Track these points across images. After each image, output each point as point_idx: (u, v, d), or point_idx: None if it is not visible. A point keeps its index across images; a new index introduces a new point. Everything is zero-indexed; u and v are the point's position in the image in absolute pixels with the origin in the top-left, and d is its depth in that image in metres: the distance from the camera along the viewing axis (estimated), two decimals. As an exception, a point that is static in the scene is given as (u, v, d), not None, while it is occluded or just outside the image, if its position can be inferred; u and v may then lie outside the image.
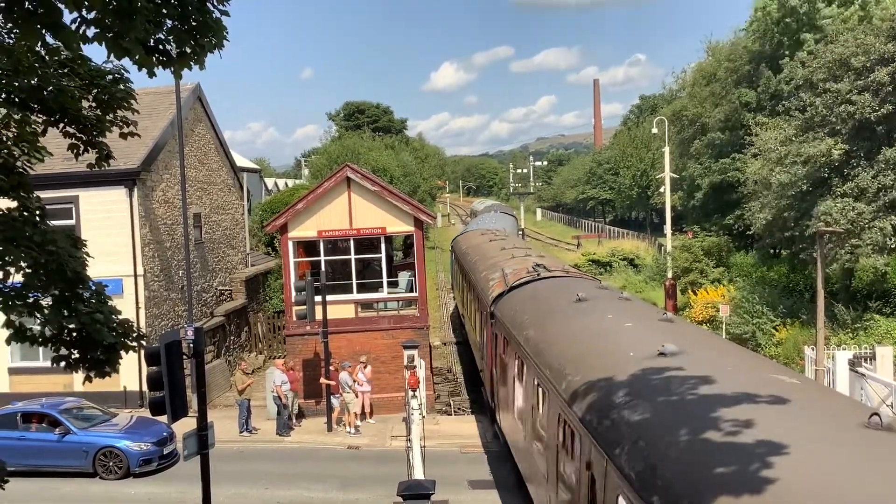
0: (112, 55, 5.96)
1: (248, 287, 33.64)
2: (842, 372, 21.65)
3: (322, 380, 23.62)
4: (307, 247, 26.27)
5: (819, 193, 27.38)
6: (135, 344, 9.09)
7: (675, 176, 46.77)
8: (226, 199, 34.39)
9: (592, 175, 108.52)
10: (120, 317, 8.99)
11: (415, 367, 21.55)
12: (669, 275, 40.44)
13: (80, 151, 9.29)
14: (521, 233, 66.30)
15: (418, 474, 14.63)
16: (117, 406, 24.27)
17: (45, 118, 8.89)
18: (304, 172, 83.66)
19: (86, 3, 5.45)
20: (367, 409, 24.25)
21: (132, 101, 9.31)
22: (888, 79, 25.88)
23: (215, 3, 6.44)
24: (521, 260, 23.11)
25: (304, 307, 23.12)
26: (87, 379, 8.94)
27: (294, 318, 24.94)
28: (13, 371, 26.33)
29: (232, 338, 31.34)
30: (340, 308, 24.89)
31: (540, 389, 12.86)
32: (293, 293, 24.67)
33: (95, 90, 8.96)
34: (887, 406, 19.26)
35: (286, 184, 75.07)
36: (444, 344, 34.81)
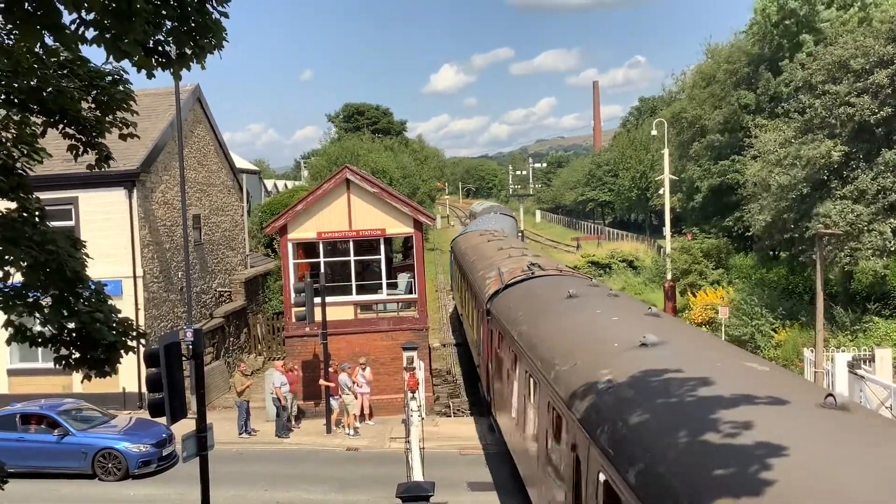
0: (111, 57, 5.96)
1: (248, 288, 33.63)
2: (841, 374, 21.67)
3: (321, 381, 23.61)
4: (307, 248, 26.26)
5: (818, 196, 27.40)
6: (135, 343, 9.10)
7: (674, 178, 46.80)
8: (225, 201, 34.38)
9: (592, 177, 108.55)
10: (119, 316, 9.00)
11: (414, 368, 21.52)
12: (669, 276, 40.45)
13: (80, 153, 9.29)
14: (520, 234, 66.31)
15: (417, 476, 14.62)
16: (116, 407, 24.24)
17: (44, 119, 8.90)
18: (304, 174, 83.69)
19: (85, 3, 5.45)
20: (367, 411, 24.23)
21: (131, 103, 9.32)
22: (887, 81, 25.90)
23: (214, 5, 6.44)
24: (517, 259, 23.59)
25: (304, 309, 23.10)
26: (87, 378, 8.95)
27: (293, 320, 24.93)
28: (12, 372, 26.31)
29: (231, 339, 31.33)
30: (340, 310, 24.88)
31: (531, 380, 13.51)
32: (292, 295, 24.66)
33: (95, 91, 8.96)
34: (886, 408, 19.27)
35: (286, 185, 75.09)
36: (444, 345, 34.79)
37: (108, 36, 5.71)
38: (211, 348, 28.48)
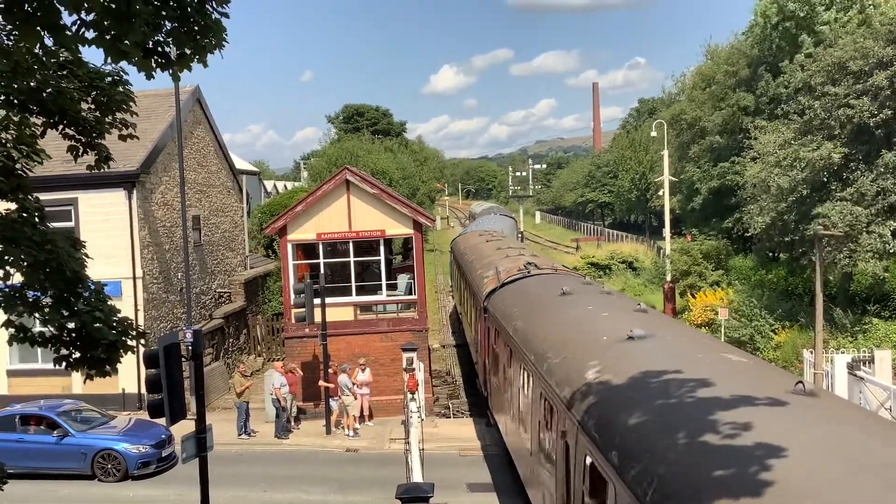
0: (109, 58, 5.96)
1: (247, 289, 33.63)
2: (840, 375, 21.67)
3: (321, 382, 23.60)
4: (306, 249, 26.26)
5: (818, 197, 27.41)
6: (134, 343, 9.11)
7: (673, 179, 46.80)
8: (225, 202, 34.39)
9: (591, 178, 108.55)
10: (119, 315, 9.01)
11: (414, 369, 21.53)
12: (668, 278, 40.46)
13: (80, 153, 9.31)
14: (520, 235, 66.35)
15: (417, 477, 14.63)
16: (116, 408, 24.24)
17: (44, 120, 8.91)
18: (304, 175, 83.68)
19: (85, 4, 5.45)
20: (366, 412, 24.23)
21: (131, 104, 9.34)
22: (887, 83, 25.90)
23: (214, 5, 6.44)
24: (514, 259, 24.10)
25: (303, 310, 23.09)
26: (88, 377, 8.96)
27: (293, 321, 24.92)
28: (12, 373, 26.30)
29: (231, 340, 31.33)
30: (339, 311, 24.87)
31: (525, 372, 14.09)
32: (292, 296, 24.64)
33: (94, 92, 8.98)
34: (885, 409, 19.27)
35: (285, 186, 75.13)
36: (444, 347, 34.83)
37: (107, 37, 5.71)
38: (210, 349, 28.47)
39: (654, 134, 51.77)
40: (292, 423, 23.81)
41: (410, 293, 26.44)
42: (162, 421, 12.81)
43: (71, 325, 8.56)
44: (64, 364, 8.71)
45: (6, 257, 8.21)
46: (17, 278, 8.59)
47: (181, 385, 12.58)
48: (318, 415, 24.29)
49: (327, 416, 23.48)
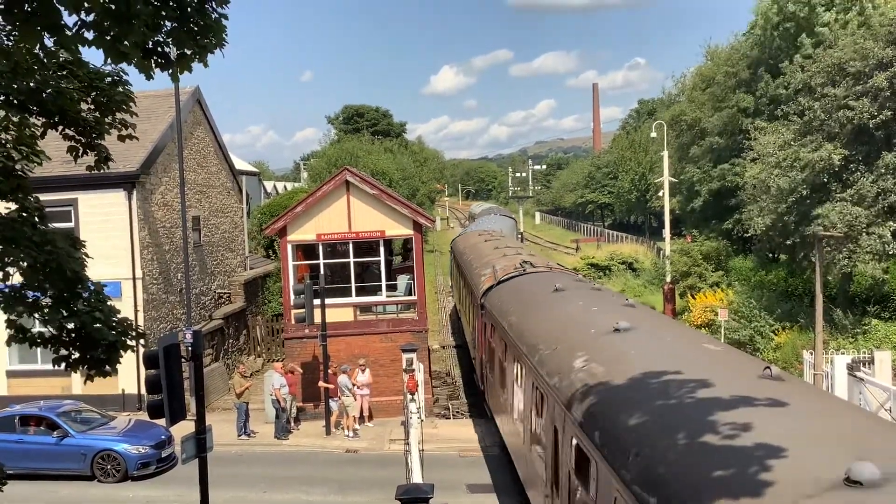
0: (109, 59, 5.96)
1: (247, 290, 33.62)
2: (840, 376, 21.66)
3: (321, 383, 23.60)
4: (306, 250, 26.25)
5: (818, 199, 27.40)
6: (134, 343, 9.10)
7: (673, 180, 46.79)
8: (225, 203, 34.38)
9: (591, 179, 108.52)
10: (119, 316, 9.01)
11: (413, 370, 21.52)
12: (668, 279, 40.47)
13: (79, 154, 9.31)
14: (519, 236, 66.36)
15: (417, 478, 14.61)
16: (115, 409, 24.23)
17: (44, 120, 8.91)
18: (304, 176, 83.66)
19: (85, 4, 5.45)
20: (366, 413, 24.22)
21: (131, 104, 9.33)
22: (886, 84, 25.89)
23: (214, 5, 6.44)
24: (511, 258, 24.61)
25: (303, 310, 23.09)
26: (88, 378, 8.96)
27: (293, 322, 24.91)
28: (11, 374, 26.29)
29: (230, 341, 31.32)
30: (339, 311, 24.86)
31: (518, 365, 14.90)
32: (292, 296, 24.63)
33: (94, 92, 8.98)
34: (885, 410, 19.26)
35: (285, 187, 75.11)
36: (443, 347, 34.83)
37: (107, 38, 5.71)
38: (210, 350, 28.46)
39: (653, 135, 51.76)
40: (292, 424, 23.80)
41: (410, 294, 26.44)
42: (162, 421, 12.80)
43: (71, 326, 8.56)
44: (63, 364, 8.70)
45: (6, 258, 8.21)
46: (17, 279, 8.58)
47: (181, 386, 12.58)
48: (317, 415, 24.28)
49: (327, 417, 23.48)
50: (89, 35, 5.71)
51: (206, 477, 13.03)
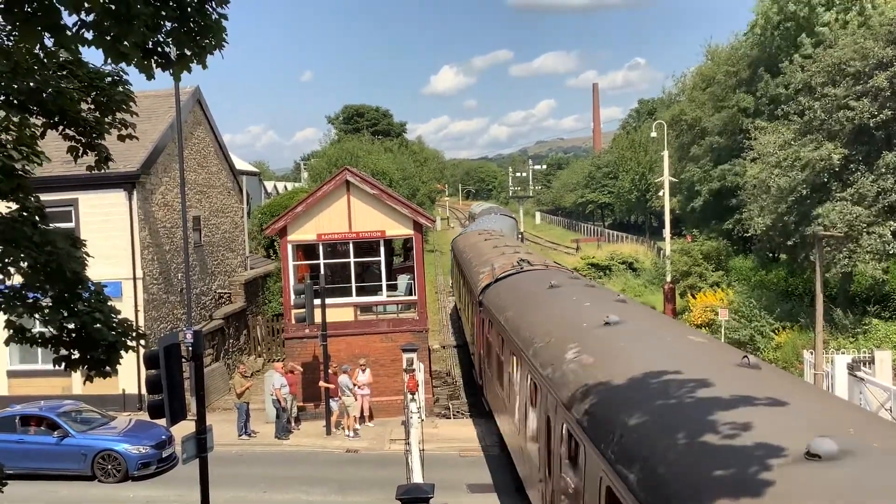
0: (109, 59, 5.96)
1: (248, 290, 33.62)
2: (840, 376, 21.66)
3: (321, 383, 23.60)
4: (306, 250, 26.26)
5: (818, 198, 27.39)
6: (134, 343, 9.10)
7: (673, 180, 46.77)
8: (225, 203, 34.39)
9: (591, 179, 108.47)
10: (119, 316, 9.00)
11: (414, 370, 21.52)
12: (668, 278, 40.46)
13: (80, 154, 9.30)
14: (520, 236, 66.34)
15: (417, 478, 14.61)
16: (116, 409, 24.23)
17: (44, 120, 8.90)
18: (304, 176, 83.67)
19: (85, 4, 5.45)
20: (367, 413, 24.22)
21: (131, 104, 9.33)
22: (887, 84, 25.88)
23: (214, 6, 6.44)
24: (509, 256, 25.01)
25: (303, 310, 23.09)
26: (88, 379, 8.96)
27: (293, 322, 24.92)
28: (12, 374, 26.30)
29: (231, 341, 31.32)
30: (339, 311, 24.87)
31: (514, 358, 15.44)
32: (292, 296, 24.64)
33: (94, 92, 8.98)
34: (886, 410, 19.26)
35: (285, 187, 75.11)
36: (444, 347, 34.83)
37: (107, 38, 5.71)
38: (211, 350, 28.46)
39: (653, 135, 51.74)
40: (292, 424, 23.81)
41: (410, 294, 26.44)
42: (162, 422, 12.81)
43: (71, 326, 8.56)
44: (64, 364, 8.70)
45: (6, 258, 8.21)
46: (17, 279, 8.58)
47: (181, 386, 12.58)
48: (318, 415, 24.28)
49: (327, 417, 23.48)
50: (89, 35, 5.71)
51: (207, 477, 13.04)
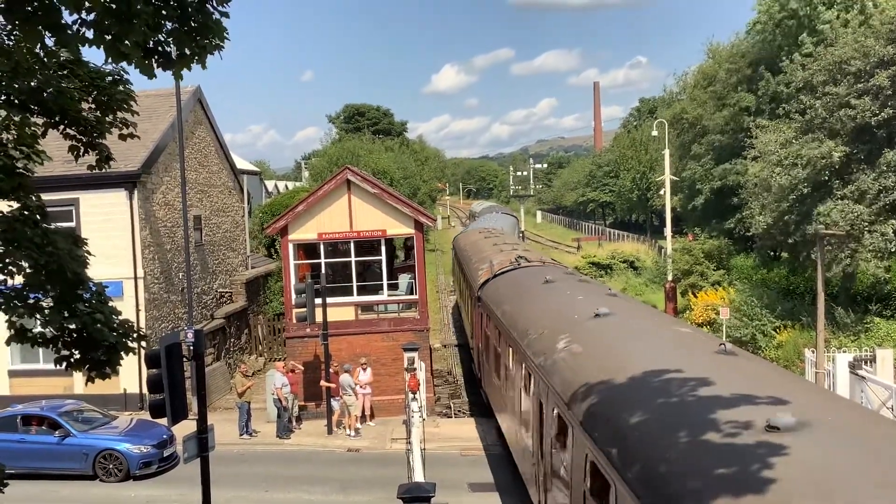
0: (110, 58, 5.95)
1: (249, 289, 33.63)
2: (842, 374, 21.63)
3: (322, 382, 23.59)
4: (307, 249, 26.25)
5: (819, 196, 27.37)
6: (135, 345, 9.09)
7: (675, 178, 46.74)
8: (226, 202, 34.39)
9: (592, 178, 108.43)
10: (120, 317, 8.99)
11: (415, 369, 21.53)
12: (669, 277, 40.43)
13: (81, 153, 9.29)
14: (521, 235, 66.33)
15: (418, 477, 14.61)
16: (117, 409, 24.25)
17: (45, 120, 8.89)
18: (305, 175, 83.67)
19: (86, 3, 5.44)
20: (368, 412, 24.22)
21: (132, 103, 9.32)
22: (888, 82, 25.85)
23: (215, 5, 6.43)
24: (507, 253, 25.68)
25: (305, 309, 23.09)
26: (89, 380, 8.95)
27: (294, 321, 24.92)
28: (13, 374, 26.31)
29: (232, 340, 31.32)
30: (340, 310, 24.86)
31: (510, 349, 16.15)
32: (293, 295, 24.65)
33: (95, 92, 8.96)
34: (887, 408, 19.24)
35: (286, 186, 75.16)
36: (445, 346, 34.82)
37: (108, 37, 5.71)
38: (212, 349, 28.47)
39: (655, 133, 51.69)
40: (294, 423, 23.81)
41: (411, 293, 26.44)
42: (163, 421, 12.81)
43: (72, 327, 8.55)
44: (64, 364, 8.70)
45: (7, 259, 8.20)
46: (18, 279, 8.58)
47: (183, 385, 12.59)
48: (319, 415, 24.28)
49: (329, 416, 23.48)
50: (90, 34, 5.70)
51: (208, 476, 13.04)
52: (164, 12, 6.16)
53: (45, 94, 8.48)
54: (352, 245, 25.75)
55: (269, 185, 75.29)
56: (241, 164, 51.42)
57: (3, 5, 5.64)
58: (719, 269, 39.45)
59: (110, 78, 8.99)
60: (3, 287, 8.53)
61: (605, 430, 8.33)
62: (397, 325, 25.47)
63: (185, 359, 12.80)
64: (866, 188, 25.85)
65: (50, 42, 6.25)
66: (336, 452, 22.15)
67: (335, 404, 23.44)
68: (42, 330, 8.81)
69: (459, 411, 26.10)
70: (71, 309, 8.45)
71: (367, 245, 27.00)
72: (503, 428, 18.71)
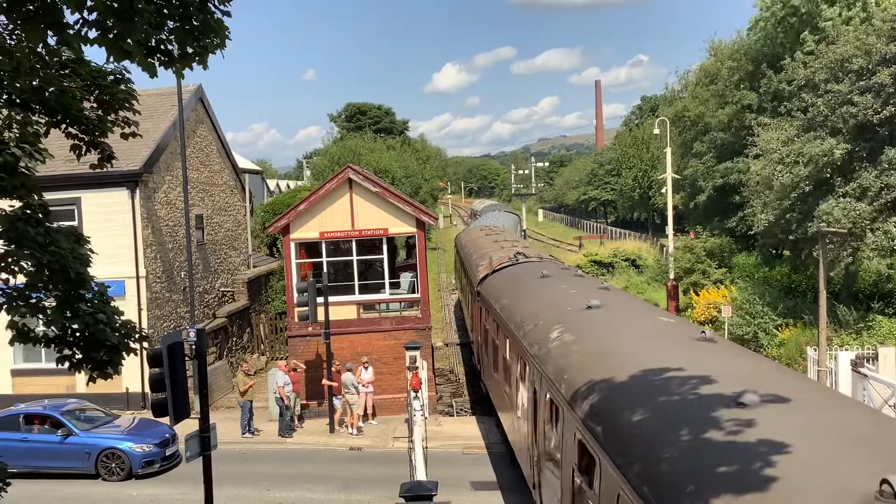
0: (112, 57, 5.95)
1: (251, 288, 33.65)
2: (844, 372, 21.59)
3: (324, 381, 23.61)
4: (309, 248, 26.27)
5: (821, 194, 27.33)
6: (137, 345, 9.10)
7: (676, 177, 46.69)
8: (228, 201, 34.40)
9: (594, 176, 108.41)
10: (122, 318, 9.00)
11: (417, 368, 21.53)
12: (671, 275, 40.41)
13: (83, 152, 9.30)
14: (523, 233, 66.32)
15: (420, 475, 14.61)
16: (119, 408, 24.27)
17: (47, 119, 8.90)
18: (306, 174, 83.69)
19: (88, 2, 5.44)
20: (370, 411, 24.23)
21: (133, 102, 9.32)
22: (890, 80, 25.81)
23: (216, 4, 6.43)
24: (507, 249, 26.12)
25: (306, 308, 23.11)
26: (91, 380, 8.96)
27: (296, 320, 24.93)
28: (16, 373, 26.35)
29: (234, 339, 31.35)
30: (342, 309, 24.88)
31: (508, 340, 16.84)
32: (295, 294, 24.66)
33: (97, 91, 8.97)
34: (890, 406, 19.21)
35: (288, 185, 75.19)
36: (447, 345, 34.80)
37: (110, 36, 5.71)
38: (214, 348, 28.49)
39: (656, 131, 51.61)
40: (296, 422, 23.83)
41: (413, 291, 26.45)
42: (166, 420, 12.81)
43: (74, 326, 8.56)
44: (66, 364, 8.71)
45: (10, 258, 8.21)
46: (20, 279, 8.58)
47: (185, 384, 12.60)
48: (321, 413, 24.30)
49: (331, 415, 23.49)
50: (92, 33, 5.71)
51: (211, 475, 13.05)
52: (165, 11, 6.17)
53: (46, 94, 8.49)
54: (353, 244, 25.75)
55: (271, 183, 75.30)
56: (243, 162, 51.45)
57: (4, 4, 5.64)
58: (721, 267, 39.42)
59: (112, 77, 9.00)
60: (5, 287, 8.54)
61: (591, 410, 8.96)
62: (399, 323, 25.48)
63: (187, 358, 12.81)
64: (868, 186, 25.81)
65: (52, 41, 6.25)
66: (338, 451, 22.16)
67: (337, 403, 23.45)
68: (44, 330, 8.82)
69: (461, 410, 26.11)
70: (73, 309, 8.46)
71: (369, 244, 27.01)
72: (500, 416, 19.35)
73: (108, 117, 9.20)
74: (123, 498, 18.90)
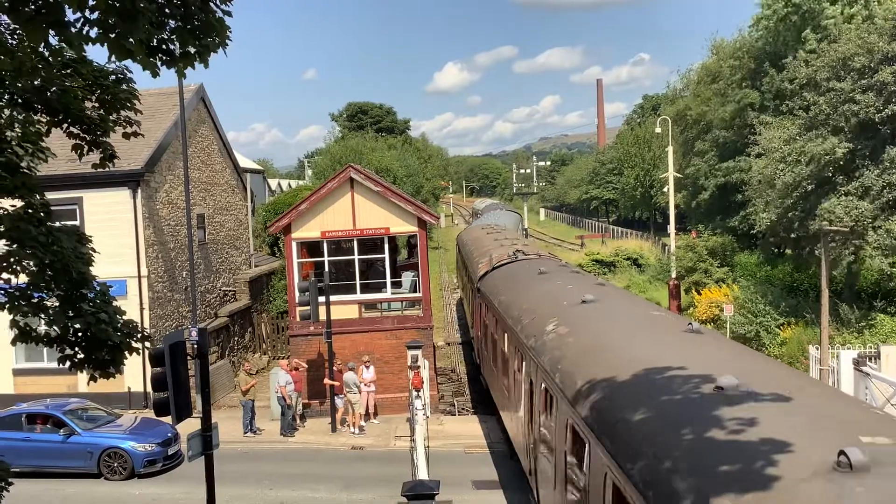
0: (114, 56, 5.96)
1: (252, 288, 33.66)
2: (846, 371, 21.57)
3: (326, 380, 23.61)
4: (311, 247, 26.27)
5: (823, 193, 27.31)
6: (139, 345, 9.10)
7: (678, 175, 46.67)
8: (229, 200, 34.42)
9: (596, 175, 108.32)
10: (124, 317, 9.00)
11: (419, 367, 21.54)
12: (673, 274, 40.39)
13: (84, 152, 9.30)
14: (524, 232, 66.30)
15: (422, 474, 14.63)
16: (122, 407, 24.29)
17: (48, 118, 8.90)
18: (308, 173, 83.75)
19: (90, 2, 5.45)
20: (371, 410, 24.23)
21: (135, 101, 9.32)
22: (892, 78, 25.78)
23: (218, 3, 6.43)
24: (507, 247, 26.51)
25: (308, 308, 23.11)
26: (92, 379, 8.96)
27: (298, 319, 24.93)
28: (18, 372, 26.38)
29: (236, 338, 31.36)
30: (344, 308, 24.88)
31: (506, 334, 17.32)
32: (297, 294, 24.65)
33: (98, 90, 8.97)
34: (892, 405, 19.18)
35: (289, 184, 75.21)
36: (448, 344, 34.80)
37: (112, 35, 5.71)
38: (216, 347, 28.51)
39: (658, 130, 51.59)
40: (297, 421, 23.84)
41: (415, 291, 26.44)
42: (168, 419, 12.82)
43: (76, 326, 8.56)
44: (68, 364, 8.71)
45: (12, 257, 8.22)
46: (22, 278, 8.59)
47: (187, 383, 12.61)
48: (323, 412, 24.30)
49: (332, 414, 23.50)
50: (94, 33, 5.71)
51: (213, 474, 13.06)
52: (167, 10, 6.17)
53: (48, 93, 8.50)
54: (355, 243, 25.76)
55: (273, 183, 75.33)
56: (245, 162, 51.45)
57: (6, 4, 5.64)
58: (723, 266, 39.39)
59: (113, 76, 9.00)
60: (7, 286, 8.54)
61: (582, 397, 9.43)
62: (401, 322, 25.49)
63: (189, 357, 12.81)
64: (870, 184, 25.78)
65: (54, 41, 6.25)
66: (340, 450, 22.17)
67: (339, 402, 23.46)
68: (46, 329, 8.82)
69: (463, 409, 26.11)
70: (75, 308, 8.47)
71: (371, 243, 27.00)
72: (498, 406, 19.90)
73: (110, 117, 9.20)
74: (126, 497, 18.91)
